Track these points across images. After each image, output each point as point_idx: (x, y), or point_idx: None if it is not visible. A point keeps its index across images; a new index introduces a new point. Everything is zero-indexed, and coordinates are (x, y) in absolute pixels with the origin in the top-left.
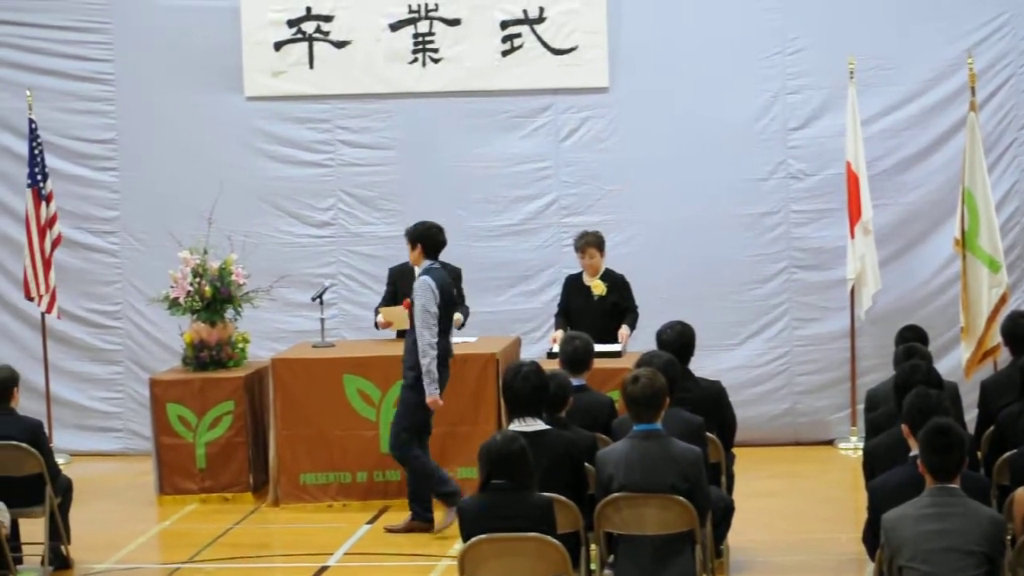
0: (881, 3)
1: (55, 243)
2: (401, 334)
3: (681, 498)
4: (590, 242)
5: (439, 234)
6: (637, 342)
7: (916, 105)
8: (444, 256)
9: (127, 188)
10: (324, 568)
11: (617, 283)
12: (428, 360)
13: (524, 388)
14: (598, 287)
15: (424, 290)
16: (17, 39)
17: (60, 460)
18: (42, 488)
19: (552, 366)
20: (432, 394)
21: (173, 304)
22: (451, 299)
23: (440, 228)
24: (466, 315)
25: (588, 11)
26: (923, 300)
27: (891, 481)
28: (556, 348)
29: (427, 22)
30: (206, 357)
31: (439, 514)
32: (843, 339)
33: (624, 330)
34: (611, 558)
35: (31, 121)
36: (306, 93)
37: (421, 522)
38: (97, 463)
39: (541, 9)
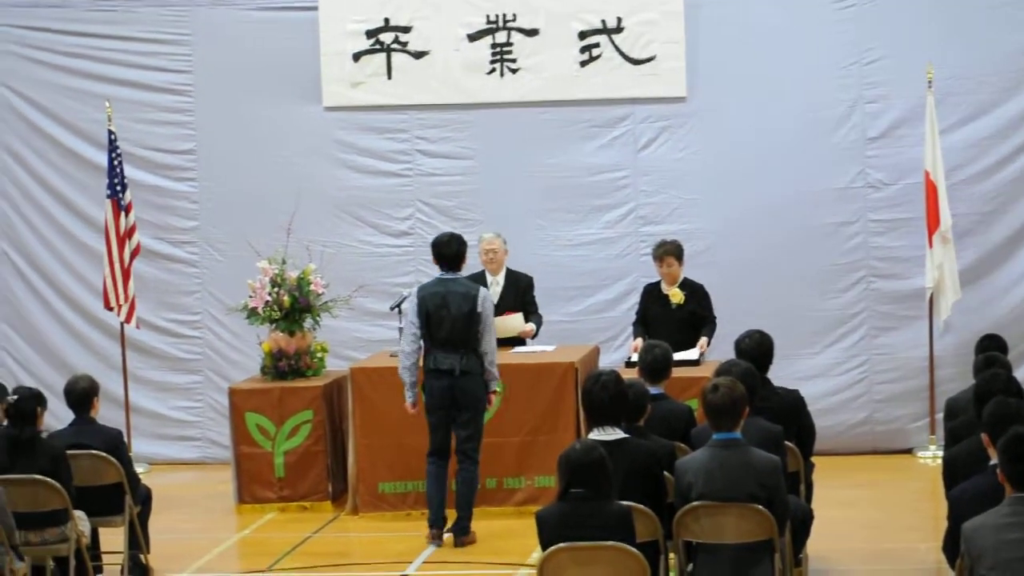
0: (958, 12)
1: (134, 253)
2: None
3: (760, 507)
4: (668, 251)
5: (443, 246)
6: (716, 351)
7: (995, 114)
8: (520, 264)
9: (206, 198)
10: None
11: (695, 292)
12: (400, 367)
13: (603, 397)
14: (676, 296)
15: (408, 301)
16: (97, 51)
17: (139, 469)
18: (122, 497)
19: (631, 375)
20: (407, 400)
21: (252, 314)
22: (435, 311)
23: (446, 239)
24: (539, 324)
25: (666, 21)
26: (1003, 309)
27: (971, 490)
28: (635, 357)
29: (505, 32)
30: (285, 366)
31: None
32: (922, 348)
33: (703, 341)
34: (690, 567)
35: (110, 132)
36: (384, 103)
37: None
38: (176, 472)
39: (619, 19)
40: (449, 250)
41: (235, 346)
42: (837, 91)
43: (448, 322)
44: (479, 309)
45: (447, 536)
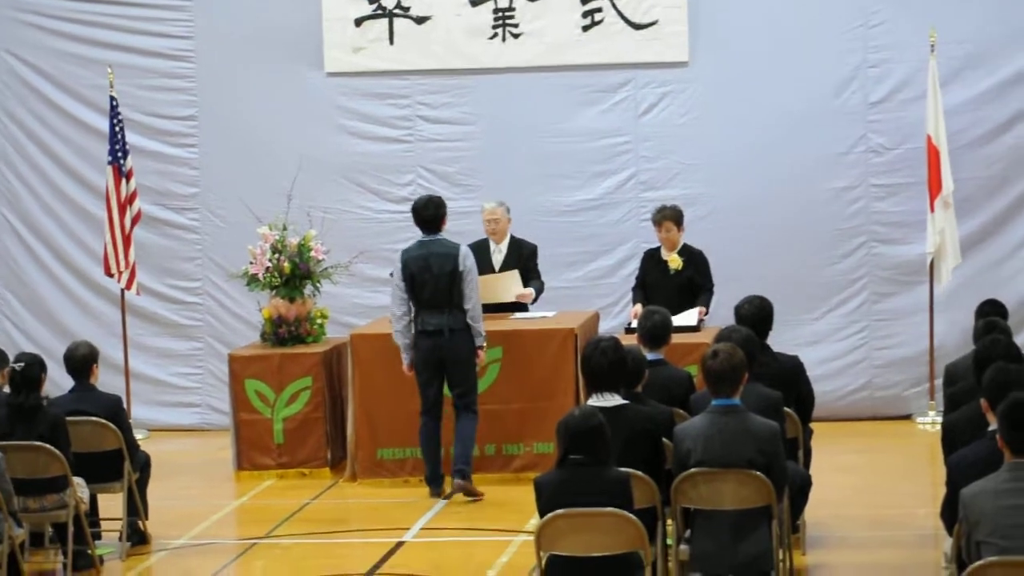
0: None
1: (135, 220)
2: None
3: (758, 473)
4: (667, 216)
5: (421, 209)
6: (716, 317)
7: (997, 78)
8: (521, 230)
9: (207, 164)
10: (401, 543)
11: (694, 258)
12: (393, 332)
13: (602, 363)
14: (675, 261)
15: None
16: (98, 16)
17: (139, 435)
18: (121, 464)
19: (630, 341)
20: (403, 363)
21: (252, 280)
22: (419, 272)
23: (424, 202)
24: (539, 290)
25: None
26: (1003, 274)
27: (970, 456)
28: (635, 323)
29: None
30: (284, 333)
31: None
32: (922, 313)
33: (700, 309)
34: (688, 533)
35: (112, 98)
36: (386, 69)
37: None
38: (175, 438)
39: None
40: (427, 212)
41: (235, 312)
42: (840, 55)
43: (432, 282)
44: (460, 268)
45: (457, 483)
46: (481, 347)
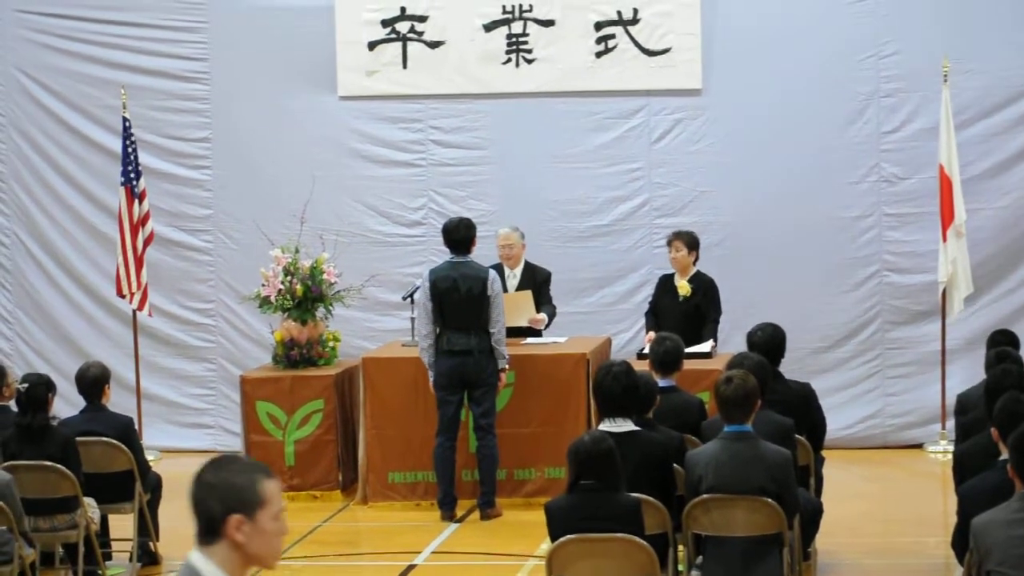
0: (974, 5)
1: (147, 241)
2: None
3: (770, 500)
4: (679, 235)
5: (452, 231)
6: (728, 343)
7: (1010, 109)
8: (534, 255)
9: (220, 186)
10: (412, 567)
11: (703, 286)
12: (419, 350)
13: (614, 388)
14: (684, 288)
15: (421, 284)
16: (112, 38)
17: (150, 456)
18: (132, 484)
19: (642, 366)
20: (431, 381)
21: (264, 302)
22: (447, 293)
23: (455, 224)
24: (551, 315)
25: (682, 13)
26: (1015, 304)
27: (981, 485)
28: (648, 348)
29: (521, 23)
30: (296, 355)
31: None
32: (934, 343)
33: (709, 343)
34: (699, 559)
35: (125, 119)
36: (399, 93)
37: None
38: (187, 459)
39: (635, 10)
40: (458, 234)
41: (247, 334)
42: (853, 84)
43: (460, 304)
44: (489, 292)
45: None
46: (504, 369)
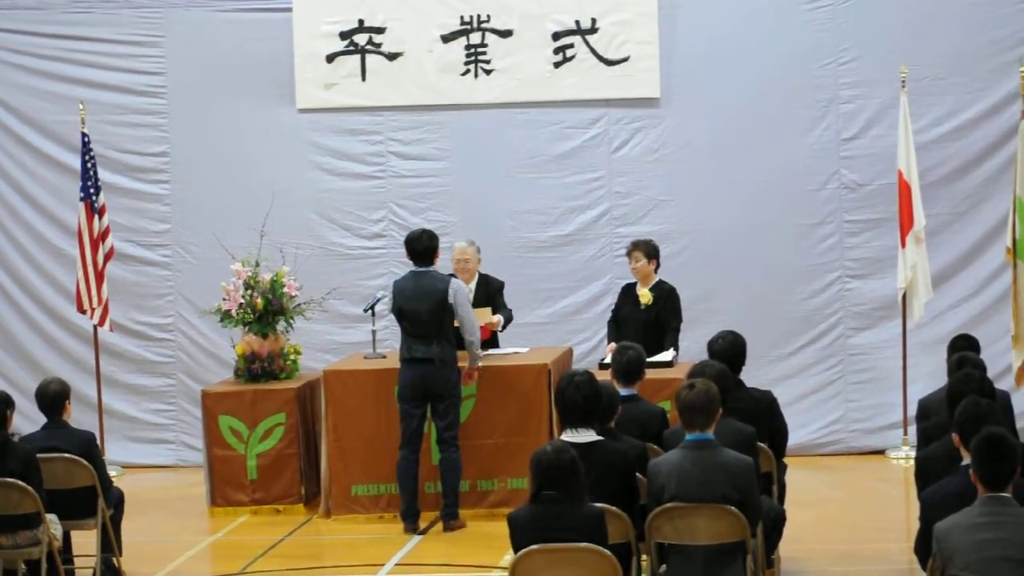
0: (932, 12)
1: (107, 256)
2: None
3: (732, 508)
4: (637, 245)
5: (415, 241)
6: (689, 352)
7: (968, 114)
8: (494, 266)
9: (179, 201)
10: None
11: (663, 294)
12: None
13: (576, 397)
14: (645, 296)
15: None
16: (70, 53)
17: (112, 472)
18: (94, 500)
19: (605, 376)
20: None
21: (225, 316)
22: (408, 303)
23: (417, 235)
24: (508, 319)
25: (640, 22)
26: (975, 309)
27: (943, 490)
28: (609, 358)
29: (479, 33)
30: (258, 369)
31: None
32: (895, 348)
33: (670, 351)
34: (662, 568)
35: (84, 135)
36: (358, 105)
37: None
38: (149, 475)
39: (593, 20)
40: (420, 245)
41: (208, 349)
42: (812, 92)
43: (421, 313)
44: (451, 300)
45: (452, 524)
46: (477, 368)
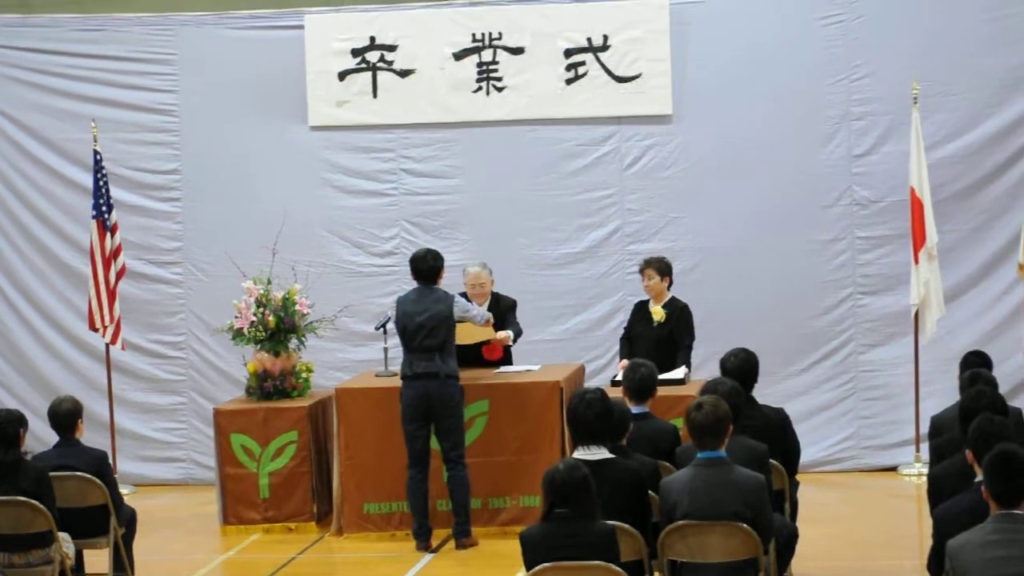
0: (944, 29)
1: (119, 274)
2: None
3: (745, 526)
4: (649, 263)
5: (419, 261)
6: (702, 370)
7: (981, 130)
8: (507, 283)
9: (191, 219)
10: None
11: (676, 311)
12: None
13: (588, 415)
14: (658, 313)
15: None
16: (82, 71)
17: (124, 490)
18: (106, 519)
19: (616, 393)
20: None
21: (237, 334)
22: (411, 319)
23: (422, 255)
24: (517, 334)
25: (652, 39)
26: (987, 325)
27: (956, 508)
28: (621, 375)
29: (491, 51)
30: (270, 387)
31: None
32: (907, 365)
33: (682, 369)
34: None
35: (96, 152)
36: (370, 122)
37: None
38: (161, 493)
39: (605, 37)
40: (424, 265)
41: (219, 367)
42: (824, 108)
43: (424, 329)
44: (457, 315)
45: (464, 542)
46: (489, 320)
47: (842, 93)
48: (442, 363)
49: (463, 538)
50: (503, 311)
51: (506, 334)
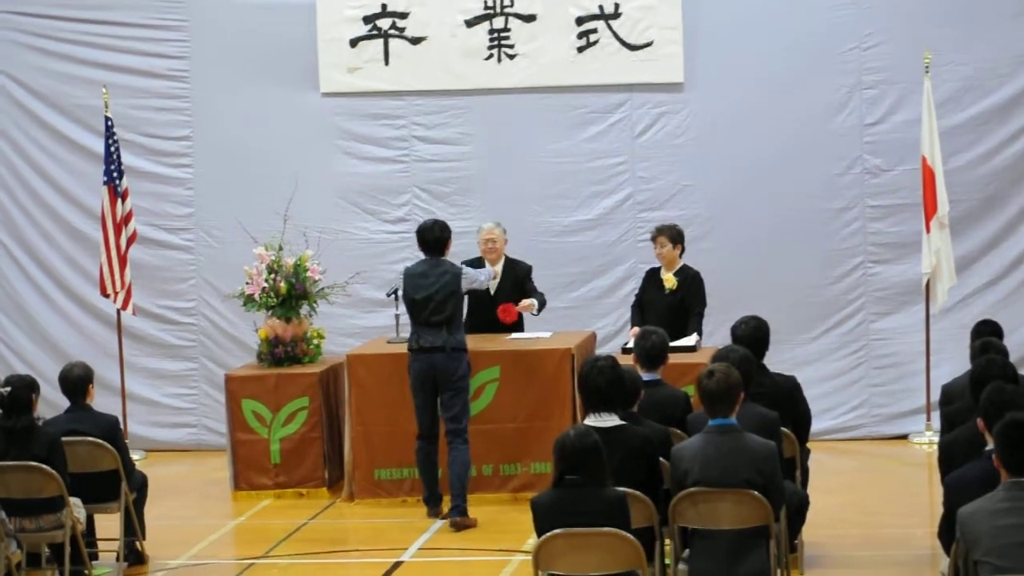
0: None
1: (131, 240)
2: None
3: (756, 493)
4: (661, 230)
5: (426, 232)
6: (713, 337)
7: (992, 100)
8: (518, 250)
9: (202, 185)
10: (398, 563)
11: (687, 279)
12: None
13: (599, 382)
14: (669, 281)
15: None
16: (94, 37)
17: (135, 456)
18: (117, 484)
19: (627, 361)
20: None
21: (248, 300)
22: (418, 291)
23: (429, 225)
24: (542, 303)
25: (663, 6)
26: (999, 294)
27: (967, 476)
28: (632, 343)
29: (503, 18)
30: (281, 353)
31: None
32: (918, 333)
33: (693, 336)
34: (685, 553)
35: (107, 118)
36: (381, 89)
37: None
38: (172, 459)
39: (616, 5)
40: (431, 236)
41: (230, 333)
42: (836, 76)
43: (432, 303)
44: (464, 287)
45: (447, 520)
46: (496, 274)
47: (854, 62)
48: (449, 336)
49: (459, 517)
50: (520, 277)
51: (530, 302)
